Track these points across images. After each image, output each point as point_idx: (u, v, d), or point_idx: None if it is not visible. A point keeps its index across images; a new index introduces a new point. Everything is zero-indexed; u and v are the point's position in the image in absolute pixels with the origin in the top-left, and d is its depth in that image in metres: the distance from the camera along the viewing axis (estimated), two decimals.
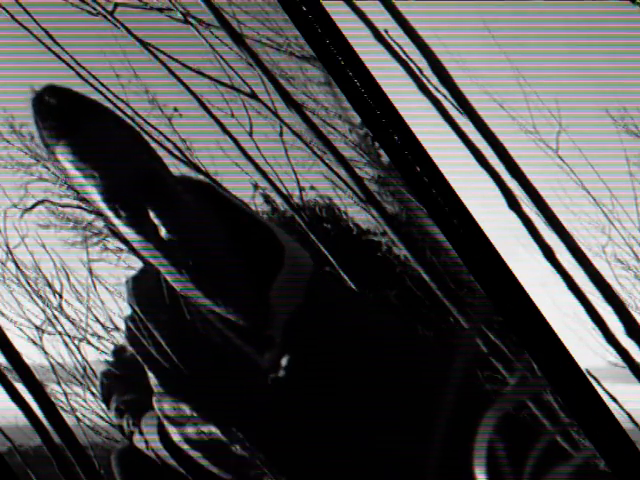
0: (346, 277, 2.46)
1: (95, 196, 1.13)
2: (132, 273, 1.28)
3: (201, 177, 1.34)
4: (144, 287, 1.24)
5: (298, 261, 1.21)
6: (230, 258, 1.18)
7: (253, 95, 2.74)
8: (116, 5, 2.56)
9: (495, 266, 0.80)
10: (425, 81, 1.58)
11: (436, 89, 1.55)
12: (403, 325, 1.31)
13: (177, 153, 3.20)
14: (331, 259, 2.43)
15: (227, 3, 3.10)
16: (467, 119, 1.49)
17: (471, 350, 1.25)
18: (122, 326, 1.29)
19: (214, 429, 1.18)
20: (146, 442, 1.23)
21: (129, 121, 1.26)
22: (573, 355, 0.79)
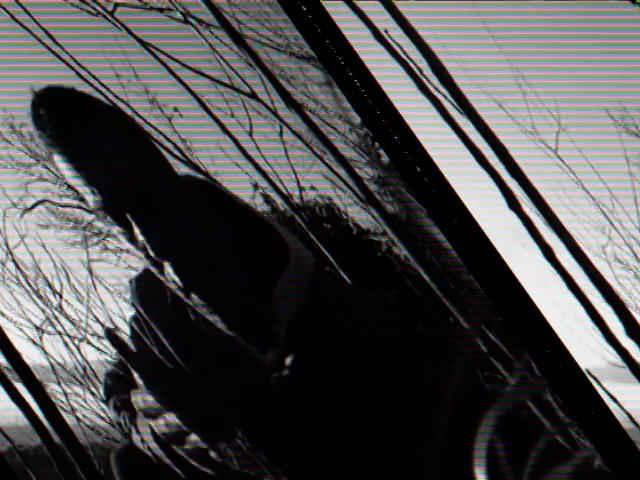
0: (346, 277, 2.46)
1: (91, 203, 1.14)
2: (135, 273, 1.29)
3: (204, 177, 1.34)
4: (147, 287, 1.25)
5: (302, 261, 1.21)
6: (233, 258, 1.18)
7: (253, 95, 2.74)
8: (116, 5, 2.56)
9: (495, 266, 0.80)
10: (425, 81, 1.58)
11: (436, 89, 1.55)
12: (404, 325, 1.31)
13: (177, 153, 3.20)
14: (331, 259, 2.43)
15: (227, 3, 3.10)
16: (467, 119, 1.49)
17: (471, 350, 1.25)
18: (124, 326, 1.29)
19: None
20: (142, 440, 1.23)
21: (132, 121, 1.26)
22: (573, 355, 0.79)
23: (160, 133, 3.14)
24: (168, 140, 3.20)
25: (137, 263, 1.28)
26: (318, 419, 1.17)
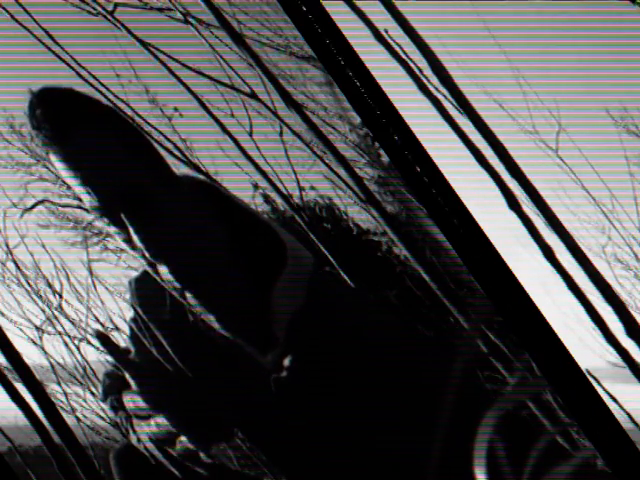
0: (346, 277, 2.46)
1: (85, 202, 1.15)
2: (134, 274, 1.29)
3: (202, 177, 1.34)
4: (146, 288, 1.25)
5: (301, 261, 1.21)
6: (230, 259, 1.18)
7: (253, 95, 2.74)
8: (116, 5, 2.56)
9: (495, 266, 0.80)
10: (425, 81, 1.58)
11: (436, 89, 1.55)
12: (404, 325, 1.31)
13: (177, 153, 3.20)
14: (331, 259, 2.43)
15: (227, 3, 3.09)
16: (467, 119, 1.49)
17: (471, 350, 1.25)
18: (124, 327, 1.29)
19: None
20: (139, 440, 1.23)
21: (132, 122, 1.26)
22: (573, 355, 0.79)
23: (160, 133, 3.14)
24: (168, 140, 3.20)
25: (137, 263, 1.28)
26: (318, 419, 1.17)
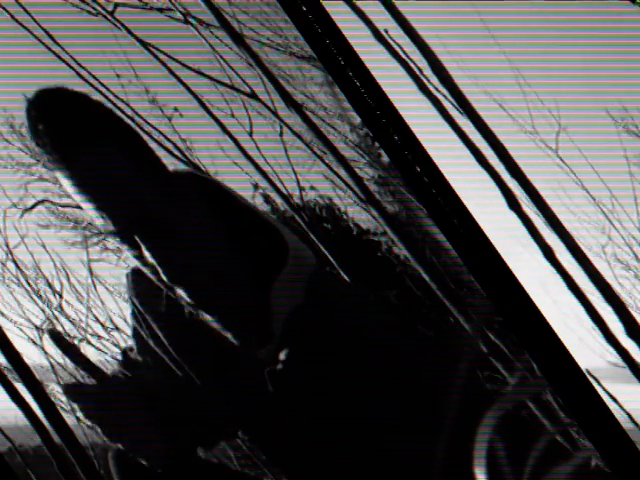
0: (346, 277, 2.46)
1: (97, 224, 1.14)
2: (131, 267, 1.29)
3: (204, 174, 1.34)
4: (143, 280, 1.24)
5: (302, 260, 1.21)
6: (232, 257, 1.18)
7: (253, 95, 2.74)
8: (116, 5, 2.56)
9: (495, 266, 0.80)
10: (425, 81, 1.58)
11: (436, 89, 1.55)
12: (403, 325, 1.31)
13: (177, 153, 3.20)
14: (331, 259, 2.43)
15: (227, 3, 3.10)
16: (467, 119, 1.49)
17: (471, 350, 1.25)
18: (124, 325, 1.29)
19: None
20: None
21: (129, 123, 1.25)
22: (573, 355, 0.79)
23: (160, 133, 3.13)
24: (168, 140, 3.19)
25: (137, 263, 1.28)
26: (317, 419, 1.17)
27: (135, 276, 1.26)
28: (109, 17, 2.54)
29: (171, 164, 1.24)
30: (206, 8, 1.90)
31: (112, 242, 1.15)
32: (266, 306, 1.17)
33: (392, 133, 0.80)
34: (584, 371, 0.79)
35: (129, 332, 1.29)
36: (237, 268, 1.18)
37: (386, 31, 1.62)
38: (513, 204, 1.44)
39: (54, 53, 2.61)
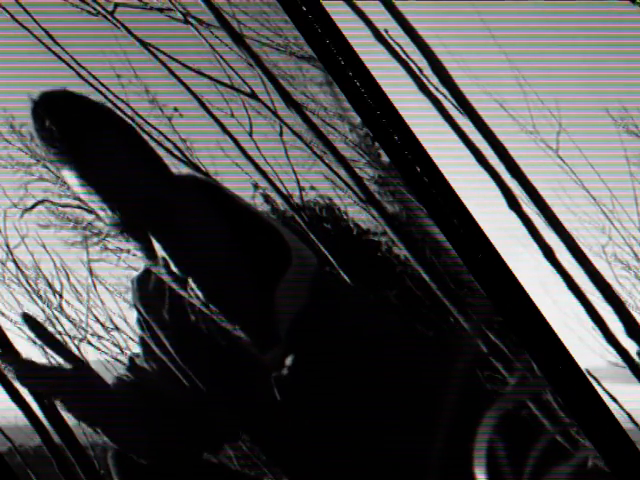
0: (346, 277, 2.46)
1: (104, 219, 1.13)
2: (136, 274, 1.29)
3: (205, 177, 1.34)
4: (148, 288, 1.24)
5: (304, 261, 1.21)
6: (235, 258, 1.18)
7: (253, 95, 2.74)
8: (116, 5, 2.56)
9: (495, 266, 0.80)
10: (425, 81, 1.58)
11: (436, 89, 1.55)
12: (405, 325, 1.31)
13: (177, 153, 3.20)
14: (331, 259, 2.43)
15: (227, 3, 3.09)
16: (467, 119, 1.49)
17: (471, 350, 1.25)
18: (124, 325, 1.29)
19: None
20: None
21: (130, 122, 1.25)
22: (573, 355, 0.79)
23: (160, 133, 3.14)
24: (168, 140, 3.20)
25: (137, 263, 1.28)
26: (319, 419, 1.17)
27: (140, 283, 1.26)
28: (109, 17, 2.54)
29: (171, 164, 1.24)
30: (206, 8, 1.90)
31: (117, 237, 1.14)
32: (271, 308, 1.17)
33: (392, 133, 0.80)
34: (584, 371, 0.79)
35: (134, 338, 1.29)
36: (240, 269, 1.18)
37: (386, 31, 1.63)
38: (513, 204, 1.44)
39: (54, 53, 2.61)
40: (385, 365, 1.15)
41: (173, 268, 1.11)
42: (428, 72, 1.52)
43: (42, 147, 1.12)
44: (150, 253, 1.12)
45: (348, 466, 1.16)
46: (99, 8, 2.57)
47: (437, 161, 0.81)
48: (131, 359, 1.29)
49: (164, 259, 1.11)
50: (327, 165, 2.63)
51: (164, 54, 2.58)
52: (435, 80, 1.51)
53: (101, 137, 1.12)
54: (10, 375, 1.09)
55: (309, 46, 0.82)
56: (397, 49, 1.63)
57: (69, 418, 1.15)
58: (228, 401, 1.21)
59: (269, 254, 1.19)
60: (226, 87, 2.93)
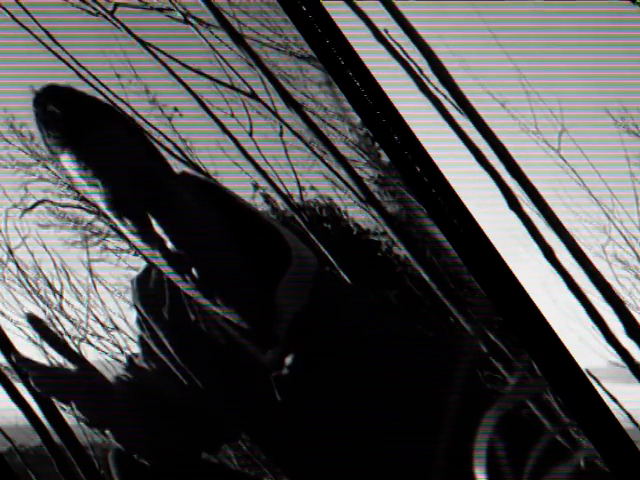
0: (346, 277, 2.46)
1: (101, 203, 1.13)
2: (136, 273, 1.29)
3: (204, 177, 1.34)
4: (148, 287, 1.25)
5: (305, 261, 1.21)
6: (235, 258, 1.18)
7: (253, 95, 2.74)
8: (116, 5, 2.56)
9: (495, 266, 0.80)
10: (425, 81, 1.58)
11: (436, 89, 1.55)
12: (406, 325, 1.31)
13: (177, 153, 3.20)
14: (331, 259, 2.43)
15: (227, 3, 3.10)
16: (467, 119, 1.49)
17: (471, 350, 1.25)
18: (124, 325, 1.29)
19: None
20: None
21: (132, 119, 1.26)
22: (573, 355, 0.79)
23: (160, 133, 3.14)
24: (168, 140, 3.20)
25: (137, 263, 1.28)
26: (319, 419, 1.17)
27: (140, 283, 1.26)
28: (109, 17, 2.54)
29: (171, 164, 1.24)
30: (206, 8, 1.90)
31: (116, 222, 1.12)
32: (270, 308, 1.17)
33: (392, 133, 0.80)
34: (584, 371, 0.79)
35: (134, 338, 1.29)
36: (240, 269, 1.18)
37: (386, 31, 1.62)
38: (513, 204, 1.44)
39: (54, 53, 2.61)
40: (385, 365, 1.15)
41: (172, 247, 1.10)
42: (428, 72, 1.52)
43: (42, 131, 1.12)
44: (146, 237, 1.12)
45: (348, 466, 1.16)
46: (99, 8, 2.57)
47: (437, 161, 0.81)
48: (130, 359, 1.29)
49: (160, 243, 1.11)
50: (327, 165, 2.62)
51: (164, 54, 2.58)
52: (435, 80, 1.51)
53: (102, 120, 1.13)
54: (31, 381, 1.08)
55: (309, 46, 0.82)
56: (397, 49, 1.63)
57: (75, 419, 1.15)
58: (227, 401, 1.21)
59: (269, 254, 1.19)
60: (226, 87, 2.92)
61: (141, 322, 1.24)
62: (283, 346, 1.17)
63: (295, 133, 2.74)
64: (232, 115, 3.21)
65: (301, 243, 1.24)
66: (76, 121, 1.10)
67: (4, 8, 2.56)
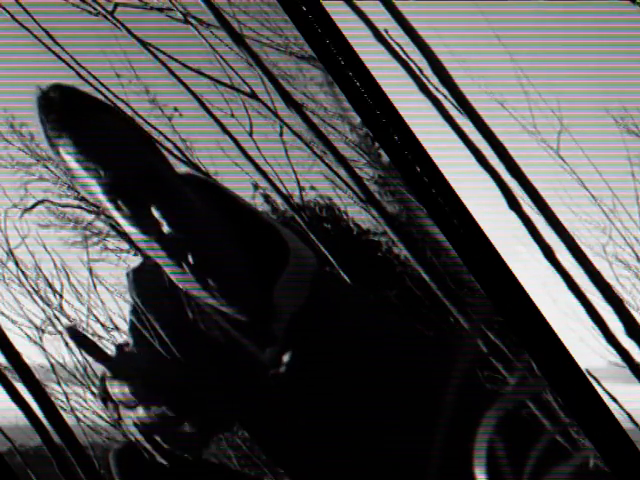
0: (346, 277, 2.46)
1: (96, 189, 1.13)
2: (133, 265, 1.29)
3: (204, 176, 1.34)
4: (145, 279, 1.25)
5: (303, 260, 1.21)
6: (233, 254, 1.18)
7: (253, 95, 2.74)
8: (116, 5, 2.56)
9: (495, 266, 0.80)
10: (425, 81, 1.58)
11: (436, 89, 1.55)
12: (405, 325, 1.31)
13: (177, 153, 3.20)
14: (331, 259, 2.43)
15: (227, 3, 3.10)
16: (467, 119, 1.49)
17: (471, 350, 1.25)
18: (124, 325, 1.29)
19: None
20: (123, 433, 1.22)
21: (132, 119, 1.27)
22: (573, 355, 0.79)
23: (160, 133, 3.14)
24: (168, 140, 3.20)
25: (137, 263, 1.28)
26: (318, 418, 1.17)
27: (136, 275, 1.26)
28: (109, 17, 2.54)
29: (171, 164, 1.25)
30: (206, 8, 1.90)
31: (111, 207, 1.12)
32: (268, 306, 1.17)
33: (392, 133, 0.80)
34: (584, 371, 0.79)
35: (127, 329, 1.29)
36: (239, 267, 1.18)
37: (386, 31, 1.63)
38: (513, 204, 1.44)
39: (54, 53, 2.61)
40: (385, 365, 1.15)
41: (168, 231, 1.10)
42: (428, 72, 1.52)
43: (41, 117, 1.13)
44: (139, 221, 1.12)
45: (348, 466, 1.16)
46: (99, 8, 2.57)
47: (437, 161, 0.81)
48: (119, 347, 1.28)
49: (157, 227, 1.11)
50: (327, 165, 2.62)
51: (164, 54, 2.58)
52: (435, 80, 1.51)
53: (103, 111, 1.15)
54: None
55: (309, 46, 0.82)
56: (397, 49, 1.63)
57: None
58: (224, 398, 1.21)
59: (267, 253, 1.20)
60: (226, 87, 2.93)
61: (137, 313, 1.24)
62: (281, 345, 1.17)
63: (295, 133, 2.74)
64: (232, 115, 3.21)
65: (301, 243, 1.24)
66: (75, 106, 1.12)
67: (4, 8, 2.56)
